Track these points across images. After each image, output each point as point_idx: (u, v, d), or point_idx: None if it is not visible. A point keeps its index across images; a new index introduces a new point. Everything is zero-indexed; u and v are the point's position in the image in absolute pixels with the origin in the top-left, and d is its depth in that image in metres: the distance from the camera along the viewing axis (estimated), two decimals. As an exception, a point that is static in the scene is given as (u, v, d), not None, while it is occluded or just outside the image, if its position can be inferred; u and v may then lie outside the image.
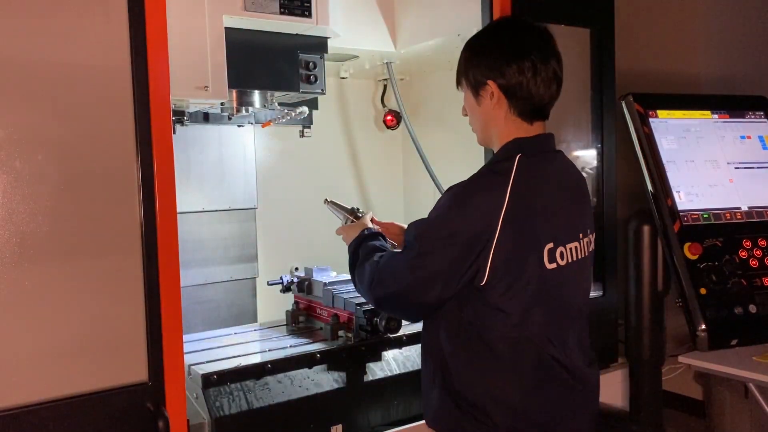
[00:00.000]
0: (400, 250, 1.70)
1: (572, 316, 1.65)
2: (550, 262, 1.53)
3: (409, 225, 1.66)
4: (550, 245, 1.54)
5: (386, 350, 2.24)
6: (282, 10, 2.18)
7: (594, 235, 1.71)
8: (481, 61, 1.60)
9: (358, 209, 2.19)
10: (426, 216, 1.60)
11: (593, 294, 2.72)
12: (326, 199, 2.25)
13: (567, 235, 1.59)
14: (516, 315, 1.53)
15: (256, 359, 2.14)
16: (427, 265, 1.53)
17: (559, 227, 1.57)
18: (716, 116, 2.78)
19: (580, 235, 1.63)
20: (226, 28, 2.12)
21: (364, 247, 1.81)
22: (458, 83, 1.70)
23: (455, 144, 2.93)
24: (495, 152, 1.66)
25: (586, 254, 1.66)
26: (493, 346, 1.54)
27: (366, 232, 1.90)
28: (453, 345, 1.58)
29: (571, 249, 1.59)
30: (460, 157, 2.86)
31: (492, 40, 1.63)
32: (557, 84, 1.60)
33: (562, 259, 1.56)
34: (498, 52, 1.58)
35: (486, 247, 1.48)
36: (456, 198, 1.53)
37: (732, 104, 2.83)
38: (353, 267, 1.81)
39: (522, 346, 1.55)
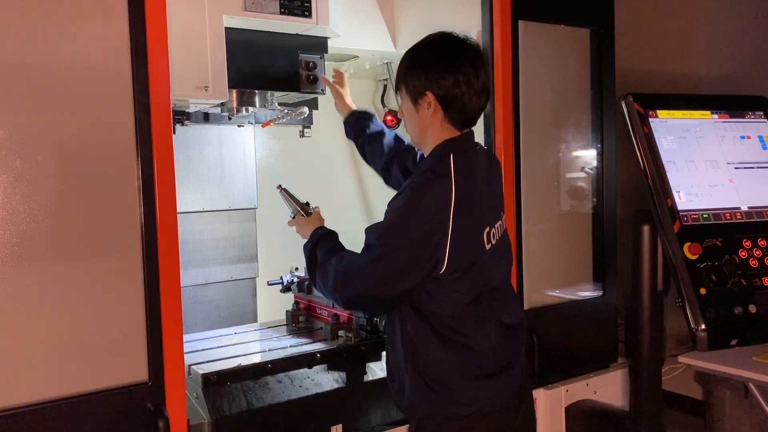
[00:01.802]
0: (360, 252, 1.79)
1: (506, 283, 1.89)
2: (487, 243, 1.76)
3: (367, 229, 1.78)
4: (487, 229, 1.76)
5: (386, 350, 2.24)
6: (282, 10, 2.19)
7: (503, 215, 1.91)
8: (421, 72, 1.76)
9: (308, 204, 2.21)
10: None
11: (593, 294, 2.73)
12: (280, 186, 2.27)
13: (493, 217, 1.81)
14: (469, 294, 1.73)
15: (256, 359, 2.14)
16: (390, 264, 1.69)
17: (488, 211, 1.79)
18: (716, 116, 2.78)
19: (502, 213, 1.87)
20: (226, 28, 2.12)
21: (321, 248, 1.92)
22: (397, 89, 1.86)
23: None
24: (428, 154, 1.83)
25: (505, 228, 1.89)
26: (453, 327, 1.73)
27: (320, 231, 2.01)
28: (418, 332, 1.75)
29: (497, 227, 1.82)
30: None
31: (431, 54, 1.79)
32: (486, 96, 1.80)
33: (493, 238, 1.79)
34: (437, 66, 1.75)
35: (441, 240, 1.67)
36: (409, 201, 1.70)
37: (732, 104, 2.83)
38: (312, 268, 1.91)
39: (479, 320, 1.75)
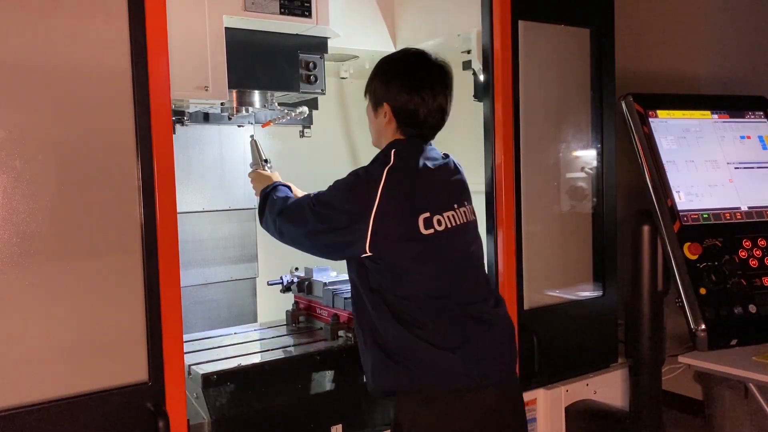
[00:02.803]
0: (310, 197, 1.99)
1: (468, 270, 1.95)
2: (427, 228, 1.83)
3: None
4: (426, 215, 1.83)
5: (386, 350, 2.24)
6: (282, 10, 2.19)
7: (471, 205, 2.01)
8: (383, 84, 1.94)
9: (268, 161, 2.39)
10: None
11: (593, 294, 2.73)
12: (252, 136, 2.47)
13: (441, 206, 1.88)
14: (411, 275, 1.83)
15: (256, 359, 2.14)
16: (321, 220, 1.87)
17: (432, 201, 1.87)
18: (716, 116, 2.78)
19: (455, 205, 1.93)
20: (226, 28, 2.12)
21: (278, 190, 2.13)
22: (365, 93, 2.03)
23: (454, 144, 2.93)
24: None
25: (466, 220, 1.95)
26: (404, 306, 1.83)
27: (280, 183, 2.21)
28: (376, 310, 1.85)
29: (447, 217, 1.88)
30: (460, 157, 2.86)
31: (396, 69, 1.95)
32: (441, 116, 1.94)
33: (440, 225, 1.86)
34: (397, 81, 1.91)
35: (363, 224, 1.79)
36: (349, 182, 1.88)
37: (732, 104, 2.83)
38: (264, 202, 2.10)
39: (428, 300, 1.84)
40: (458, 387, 1.81)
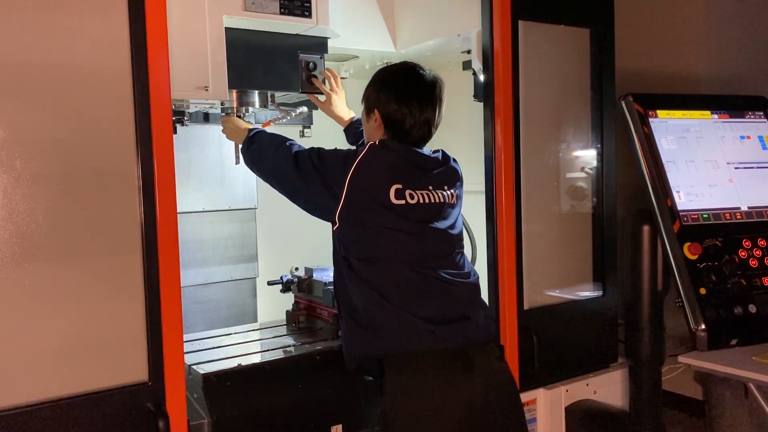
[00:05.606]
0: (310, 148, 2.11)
1: (436, 244, 2.03)
2: (398, 198, 1.96)
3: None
4: (398, 186, 1.96)
5: (386, 350, 2.24)
6: (282, 10, 2.19)
7: (451, 191, 2.09)
8: (376, 92, 2.07)
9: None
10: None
11: (593, 294, 2.73)
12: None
13: (415, 184, 2.00)
14: (379, 241, 1.95)
15: (256, 359, 2.14)
16: (312, 164, 2.01)
17: (406, 177, 1.99)
18: (716, 116, 2.78)
19: (430, 187, 2.04)
20: (226, 28, 2.12)
21: (264, 134, 2.21)
22: (362, 98, 2.15)
23: (455, 144, 2.93)
24: None
25: (442, 201, 2.05)
26: (372, 271, 1.95)
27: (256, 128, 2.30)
28: (348, 276, 1.98)
29: (421, 193, 2.00)
30: (460, 157, 2.86)
31: (390, 80, 2.08)
32: (428, 128, 2.07)
33: (412, 199, 1.98)
34: (389, 91, 2.04)
35: (338, 190, 1.94)
36: (343, 154, 2.03)
37: (732, 104, 2.83)
38: (249, 143, 2.19)
39: (394, 266, 1.95)
40: (422, 349, 1.90)
